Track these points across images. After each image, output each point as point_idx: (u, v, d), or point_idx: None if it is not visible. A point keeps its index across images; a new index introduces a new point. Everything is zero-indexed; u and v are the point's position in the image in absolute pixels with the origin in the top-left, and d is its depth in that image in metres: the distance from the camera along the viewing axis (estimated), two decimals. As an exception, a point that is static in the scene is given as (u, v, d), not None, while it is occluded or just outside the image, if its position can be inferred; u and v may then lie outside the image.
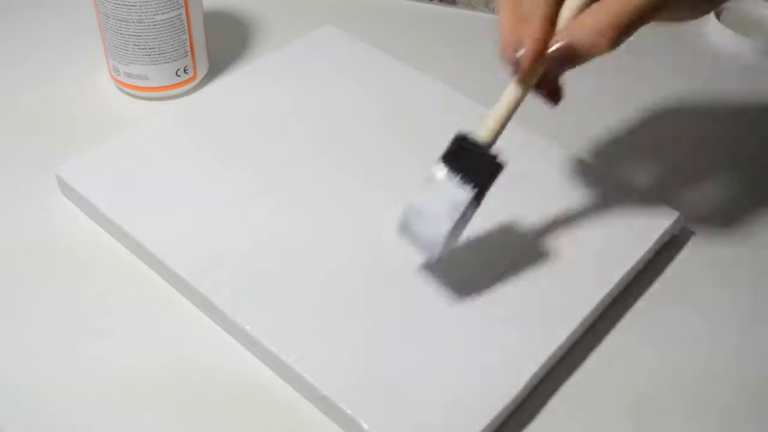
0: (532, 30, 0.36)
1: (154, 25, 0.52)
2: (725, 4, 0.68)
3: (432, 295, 0.43)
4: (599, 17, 0.35)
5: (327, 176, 0.49)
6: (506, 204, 0.48)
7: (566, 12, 0.36)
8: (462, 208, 0.38)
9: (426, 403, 0.38)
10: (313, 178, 0.49)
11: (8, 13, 0.65)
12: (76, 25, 0.63)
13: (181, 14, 0.53)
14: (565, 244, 0.46)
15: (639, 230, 0.47)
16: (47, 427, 0.39)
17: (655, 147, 0.56)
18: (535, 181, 0.49)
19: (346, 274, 0.44)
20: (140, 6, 0.51)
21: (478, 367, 0.40)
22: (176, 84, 0.56)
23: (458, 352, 0.40)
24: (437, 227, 0.39)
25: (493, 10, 0.68)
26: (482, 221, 0.46)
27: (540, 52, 0.36)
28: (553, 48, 0.36)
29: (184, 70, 0.56)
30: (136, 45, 0.53)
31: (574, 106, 0.59)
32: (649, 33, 0.66)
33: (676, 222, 0.48)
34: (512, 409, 0.40)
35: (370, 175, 0.49)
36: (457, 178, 0.38)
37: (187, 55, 0.55)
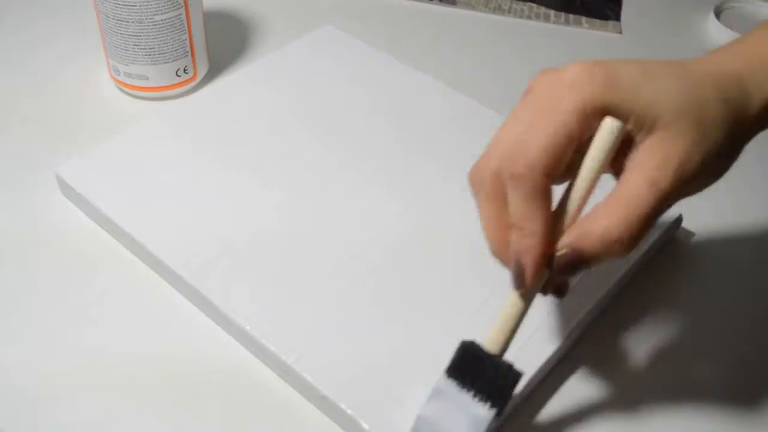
0: (533, 244, 0.31)
1: (154, 25, 0.52)
2: (725, 4, 0.68)
3: (432, 296, 0.43)
4: (610, 222, 0.31)
5: (327, 176, 0.49)
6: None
7: (572, 205, 0.33)
8: (485, 425, 0.34)
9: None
10: (313, 177, 0.49)
11: (8, 13, 0.65)
12: (76, 25, 0.63)
13: (181, 14, 0.53)
14: (565, 244, 0.46)
15: (639, 230, 0.47)
16: (48, 423, 0.39)
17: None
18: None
19: (346, 274, 0.44)
20: (140, 6, 0.51)
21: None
22: (176, 84, 0.56)
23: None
24: None
25: (493, 10, 0.68)
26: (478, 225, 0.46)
27: (543, 265, 0.32)
28: (561, 260, 0.32)
29: (184, 70, 0.56)
30: (136, 45, 0.53)
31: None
32: (649, 32, 0.67)
33: (676, 222, 0.48)
34: (512, 409, 0.40)
35: (370, 175, 0.49)
36: (472, 391, 0.35)
37: (187, 55, 0.55)
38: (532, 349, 0.41)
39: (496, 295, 0.43)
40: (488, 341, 0.35)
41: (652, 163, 0.31)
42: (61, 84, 0.58)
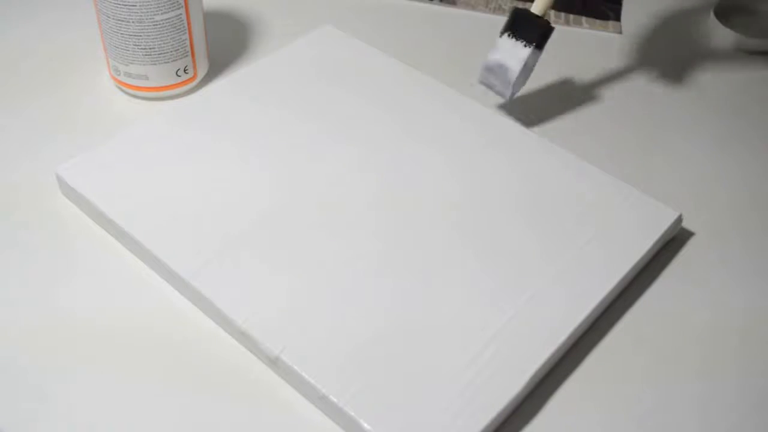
0: None
1: (154, 25, 0.52)
2: (725, 3, 0.68)
3: (432, 296, 0.43)
4: None
5: (327, 175, 0.49)
6: (505, 204, 0.48)
7: None
8: (525, 58, 0.51)
9: (427, 403, 0.38)
10: (312, 177, 0.49)
11: (9, 13, 0.65)
12: (76, 25, 0.63)
13: (181, 14, 0.53)
14: (564, 244, 0.46)
15: (639, 230, 0.47)
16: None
17: (655, 147, 0.56)
18: (534, 182, 0.49)
19: (347, 273, 0.44)
20: (140, 6, 0.51)
21: (479, 367, 0.40)
22: (176, 84, 0.56)
23: (459, 353, 0.40)
24: (508, 75, 0.52)
25: (493, 10, 0.68)
26: (477, 222, 0.46)
27: None
28: None
29: (184, 70, 0.56)
30: (136, 45, 0.53)
31: (573, 108, 0.59)
32: (649, 32, 0.66)
33: (676, 222, 0.48)
34: (513, 409, 0.40)
35: (369, 174, 0.49)
36: (521, 40, 0.51)
37: (187, 55, 0.55)
38: (531, 349, 0.41)
39: (501, 292, 0.43)
40: (535, 6, 0.52)
41: None
42: (61, 84, 0.58)
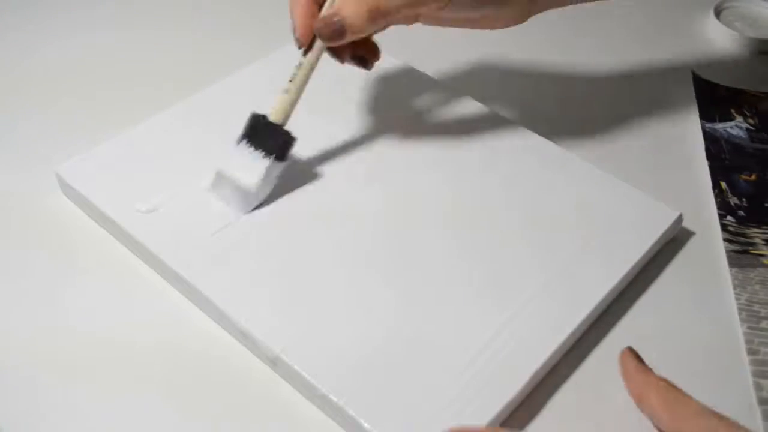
0: (299, 11, 0.45)
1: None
2: (725, 3, 0.68)
3: (432, 297, 0.43)
4: (348, 8, 0.43)
5: (326, 175, 0.49)
6: (505, 205, 0.48)
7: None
8: (263, 170, 0.45)
9: (427, 402, 0.38)
10: (313, 176, 0.49)
11: (8, 14, 0.65)
12: (76, 25, 0.63)
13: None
14: (565, 244, 0.46)
15: (639, 230, 0.47)
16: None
17: (655, 147, 0.56)
18: (534, 182, 0.49)
19: (348, 274, 0.44)
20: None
21: (479, 368, 0.40)
22: (176, 83, 0.56)
23: (459, 353, 0.40)
24: (245, 189, 0.46)
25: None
26: (477, 222, 0.46)
27: (309, 17, 0.44)
28: (320, 23, 0.44)
29: (184, 70, 0.55)
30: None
31: (573, 107, 0.59)
32: (648, 32, 0.66)
33: (676, 222, 0.48)
34: (512, 409, 0.40)
35: (370, 172, 0.49)
36: (258, 150, 0.46)
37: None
38: (531, 349, 0.41)
39: (500, 293, 0.43)
40: (274, 113, 0.46)
41: None
42: (61, 84, 0.58)
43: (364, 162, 0.50)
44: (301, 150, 0.51)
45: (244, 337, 0.41)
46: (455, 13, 0.45)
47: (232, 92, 0.55)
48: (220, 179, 0.46)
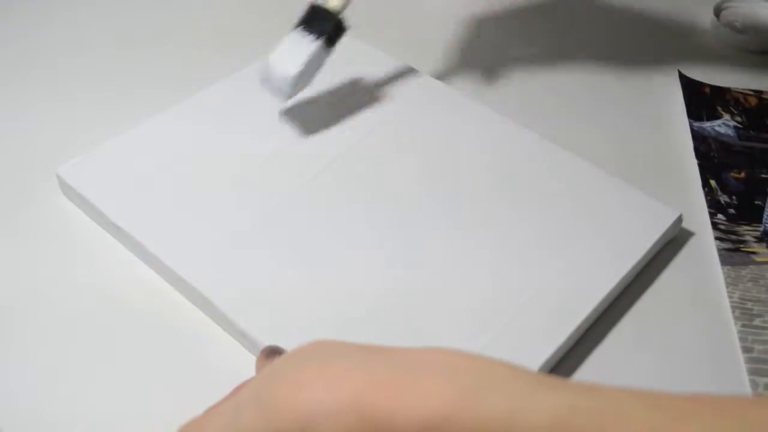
0: None
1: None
2: (725, 3, 0.68)
3: (432, 297, 0.43)
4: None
5: (324, 173, 0.49)
6: (504, 204, 0.48)
7: None
8: (311, 51, 0.48)
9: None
10: (312, 176, 0.49)
11: (8, 19, 0.65)
12: (76, 26, 0.63)
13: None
14: (565, 244, 0.46)
15: (639, 230, 0.47)
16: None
17: (655, 147, 0.56)
18: (534, 182, 0.49)
19: (348, 273, 0.44)
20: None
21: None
22: (176, 84, 0.56)
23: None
24: (288, 72, 0.47)
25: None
26: (476, 222, 0.46)
27: None
28: None
29: (184, 70, 0.56)
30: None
31: (573, 107, 0.59)
32: (648, 32, 0.66)
33: (676, 222, 0.48)
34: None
35: (366, 174, 0.49)
36: (310, 36, 0.48)
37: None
38: (531, 349, 0.41)
39: (500, 292, 0.43)
40: (330, 2, 0.49)
41: None
42: (61, 83, 0.58)
43: (364, 161, 0.50)
44: (299, 146, 0.51)
45: (243, 337, 0.41)
46: None
47: (232, 92, 0.55)
48: (267, 66, 0.48)
